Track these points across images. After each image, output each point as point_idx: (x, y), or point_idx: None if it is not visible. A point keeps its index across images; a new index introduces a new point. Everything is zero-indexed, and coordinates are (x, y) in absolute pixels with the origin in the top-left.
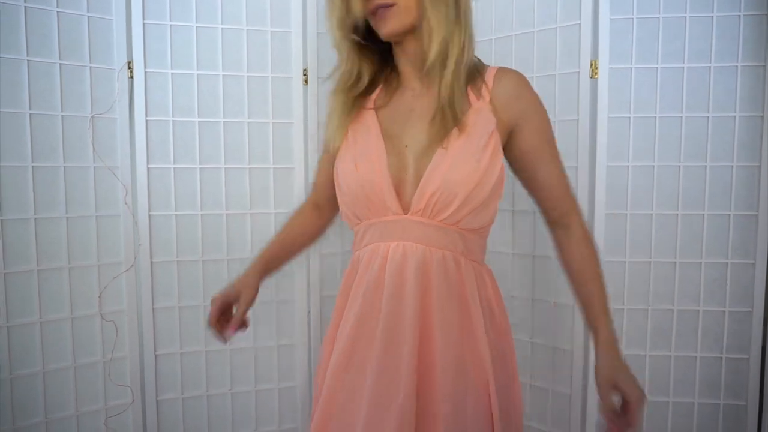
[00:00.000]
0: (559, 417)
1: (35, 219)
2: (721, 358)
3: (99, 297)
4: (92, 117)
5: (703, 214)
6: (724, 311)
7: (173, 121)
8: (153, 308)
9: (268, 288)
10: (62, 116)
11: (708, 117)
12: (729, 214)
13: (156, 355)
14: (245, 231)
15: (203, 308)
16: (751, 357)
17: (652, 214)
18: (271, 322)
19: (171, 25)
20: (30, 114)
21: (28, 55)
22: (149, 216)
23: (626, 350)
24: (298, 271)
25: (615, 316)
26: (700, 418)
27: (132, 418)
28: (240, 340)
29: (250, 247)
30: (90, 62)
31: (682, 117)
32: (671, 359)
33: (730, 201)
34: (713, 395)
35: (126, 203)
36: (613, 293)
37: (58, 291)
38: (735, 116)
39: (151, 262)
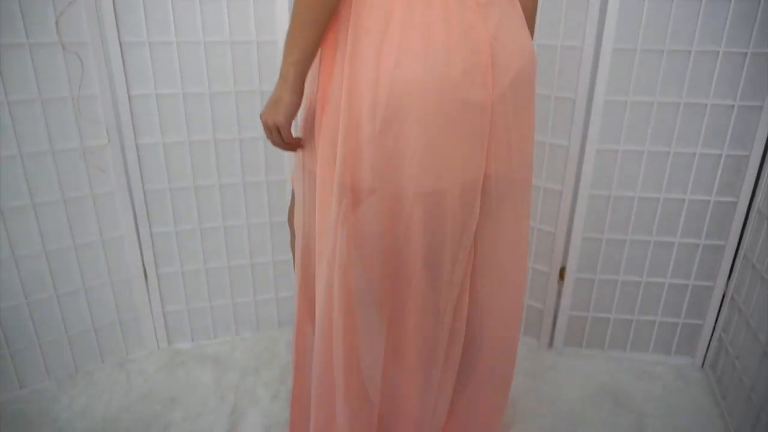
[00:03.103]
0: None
1: None
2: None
3: (56, 23)
4: None
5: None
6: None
7: None
8: (120, 42)
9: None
10: None
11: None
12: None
13: (130, 96)
14: None
15: (176, 45)
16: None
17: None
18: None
19: None
20: None
21: None
22: None
23: None
24: None
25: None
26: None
27: (112, 160)
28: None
29: None
30: None
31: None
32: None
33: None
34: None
35: None
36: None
37: (8, 11)
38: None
39: None
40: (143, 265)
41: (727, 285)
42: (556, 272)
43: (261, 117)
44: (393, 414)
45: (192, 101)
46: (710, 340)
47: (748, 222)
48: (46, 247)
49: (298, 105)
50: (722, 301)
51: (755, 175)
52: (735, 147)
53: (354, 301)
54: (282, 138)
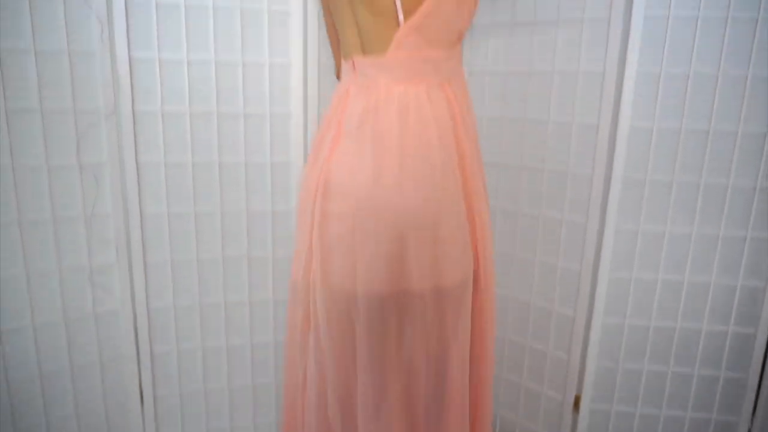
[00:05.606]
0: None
1: None
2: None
3: (77, 146)
4: None
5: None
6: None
7: None
8: (137, 161)
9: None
10: None
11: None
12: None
13: (142, 213)
14: (236, 81)
15: (192, 165)
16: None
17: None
18: None
19: None
20: None
21: None
22: (129, 57)
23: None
24: None
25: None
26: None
27: (119, 278)
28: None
29: (242, 100)
30: None
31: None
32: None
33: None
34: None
35: (102, 40)
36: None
37: (30, 135)
38: None
39: (134, 111)
40: (140, 386)
41: (751, 421)
42: (570, 401)
43: None
44: None
45: (203, 221)
46: None
47: None
48: (42, 369)
49: None
50: None
51: None
52: (748, 277)
53: None
54: None
